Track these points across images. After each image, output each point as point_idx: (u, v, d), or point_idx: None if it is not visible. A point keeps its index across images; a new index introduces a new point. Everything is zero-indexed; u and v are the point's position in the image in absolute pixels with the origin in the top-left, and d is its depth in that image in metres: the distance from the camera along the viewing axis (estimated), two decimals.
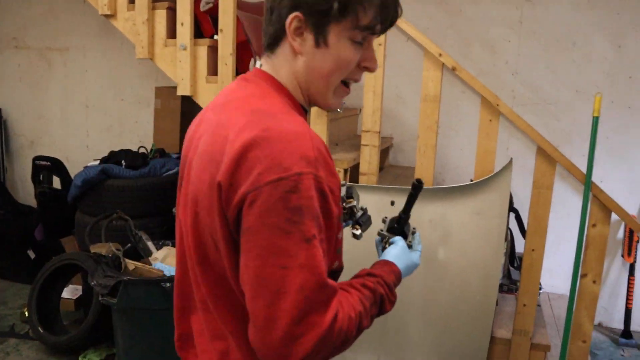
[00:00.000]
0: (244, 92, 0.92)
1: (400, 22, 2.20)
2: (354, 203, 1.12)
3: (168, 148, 3.58)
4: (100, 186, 3.03)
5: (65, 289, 3.11)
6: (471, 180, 2.27)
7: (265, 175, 0.76)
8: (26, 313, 2.98)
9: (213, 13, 2.76)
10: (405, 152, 3.62)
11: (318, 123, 2.45)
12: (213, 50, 2.74)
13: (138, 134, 4.17)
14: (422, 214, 2.25)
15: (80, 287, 3.18)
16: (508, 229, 2.70)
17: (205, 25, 2.86)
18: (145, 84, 4.08)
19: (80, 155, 4.27)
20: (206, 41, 2.73)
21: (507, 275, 2.92)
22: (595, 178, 2.30)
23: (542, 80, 3.31)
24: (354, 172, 2.57)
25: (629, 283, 3.19)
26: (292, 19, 0.88)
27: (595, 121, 2.18)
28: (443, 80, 2.34)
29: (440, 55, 2.27)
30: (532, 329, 2.30)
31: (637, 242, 3.18)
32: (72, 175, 3.26)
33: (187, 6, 2.66)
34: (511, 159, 2.23)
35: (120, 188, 3.03)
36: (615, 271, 3.33)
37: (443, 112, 2.50)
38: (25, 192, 4.41)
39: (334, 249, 0.90)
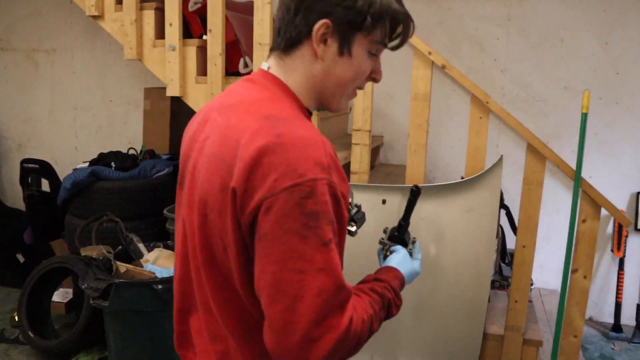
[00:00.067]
0: (252, 94, 0.92)
1: None
2: (349, 200, 1.12)
3: (158, 149, 3.56)
4: (89, 188, 3.01)
5: (55, 292, 3.09)
6: (462, 178, 2.27)
7: (281, 181, 0.76)
8: (16, 317, 2.95)
9: (202, 13, 2.75)
10: (396, 151, 3.63)
11: None
12: (202, 50, 2.72)
13: (127, 135, 4.14)
14: (413, 212, 2.25)
15: (70, 291, 3.16)
16: (499, 225, 2.72)
17: (194, 25, 2.84)
18: (134, 85, 4.05)
19: (69, 158, 4.24)
20: (195, 41, 2.72)
21: (498, 271, 2.93)
22: (584, 174, 2.32)
23: (530, 77, 3.34)
24: (345, 171, 2.57)
25: (618, 277, 3.23)
26: (321, 26, 0.88)
27: (584, 117, 2.19)
28: (433, 79, 2.35)
29: (429, 53, 2.27)
30: (524, 324, 2.32)
31: (626, 236, 3.21)
32: (61, 178, 3.23)
33: (176, 6, 2.64)
34: (501, 156, 2.24)
35: (110, 190, 3.01)
36: (605, 266, 3.36)
37: (433, 110, 2.51)
38: (14, 195, 4.35)
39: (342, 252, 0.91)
